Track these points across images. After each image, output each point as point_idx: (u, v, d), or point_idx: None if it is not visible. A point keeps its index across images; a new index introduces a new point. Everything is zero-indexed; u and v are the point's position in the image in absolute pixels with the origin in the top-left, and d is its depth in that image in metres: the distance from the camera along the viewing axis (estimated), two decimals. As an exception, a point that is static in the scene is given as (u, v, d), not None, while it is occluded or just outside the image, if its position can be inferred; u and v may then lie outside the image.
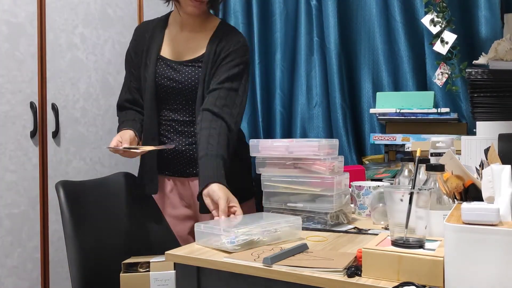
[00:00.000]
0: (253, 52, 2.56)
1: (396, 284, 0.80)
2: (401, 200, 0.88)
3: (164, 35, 1.67)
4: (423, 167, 1.10)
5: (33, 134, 1.89)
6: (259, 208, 1.46)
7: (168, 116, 1.65)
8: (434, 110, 1.89)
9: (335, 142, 1.35)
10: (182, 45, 1.65)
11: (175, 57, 1.64)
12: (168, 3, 1.68)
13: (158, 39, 1.66)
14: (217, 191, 1.31)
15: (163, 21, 1.71)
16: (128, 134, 1.58)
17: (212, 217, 1.31)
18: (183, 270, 1.05)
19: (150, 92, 1.63)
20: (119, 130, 1.65)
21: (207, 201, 1.34)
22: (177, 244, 1.56)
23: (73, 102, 2.05)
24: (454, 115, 1.89)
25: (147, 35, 1.69)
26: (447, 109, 1.90)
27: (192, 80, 1.60)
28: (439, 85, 1.92)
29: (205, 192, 1.34)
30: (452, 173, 1.19)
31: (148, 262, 1.27)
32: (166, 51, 1.65)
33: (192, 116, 1.63)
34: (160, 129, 1.66)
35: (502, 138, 1.30)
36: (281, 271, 0.91)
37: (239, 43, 1.62)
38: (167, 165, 1.68)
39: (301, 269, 0.90)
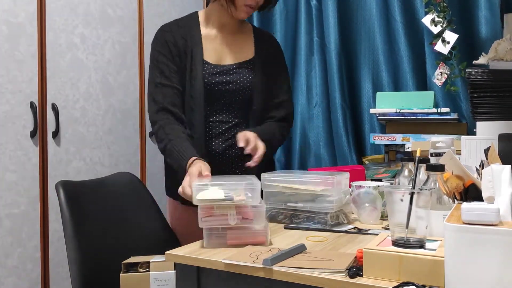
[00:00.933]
0: (253, 52, 2.56)
1: (396, 284, 0.80)
2: (402, 200, 0.88)
3: (202, 37, 1.59)
4: (423, 167, 1.10)
5: (33, 134, 1.89)
6: None
7: (209, 118, 1.58)
8: (434, 110, 1.89)
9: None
10: (224, 48, 1.61)
11: (218, 60, 1.59)
12: (213, 1, 1.61)
13: (197, 42, 1.58)
14: (250, 133, 1.47)
15: (193, 22, 1.62)
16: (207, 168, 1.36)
17: None
18: (183, 270, 1.05)
19: (199, 97, 1.54)
20: (175, 148, 1.43)
21: (240, 135, 1.46)
22: (177, 244, 1.56)
23: (73, 102, 2.05)
24: (454, 115, 1.89)
25: (184, 38, 1.58)
26: (447, 109, 1.90)
27: (244, 83, 1.59)
28: (438, 85, 1.92)
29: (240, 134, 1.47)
30: (452, 173, 1.19)
31: (148, 262, 1.27)
32: (208, 54, 1.58)
33: (234, 118, 1.59)
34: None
35: (502, 138, 1.30)
36: (281, 271, 0.91)
37: (278, 43, 1.74)
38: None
39: (302, 270, 0.90)
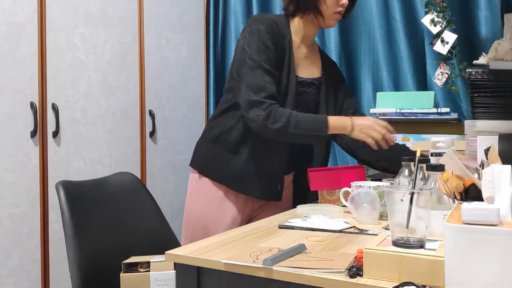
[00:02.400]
0: (253, 52, 2.56)
1: (396, 284, 0.80)
2: (402, 200, 0.88)
3: (292, 43, 1.59)
4: (423, 167, 1.10)
5: (33, 134, 1.89)
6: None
7: None
8: (434, 110, 1.89)
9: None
10: (302, 60, 1.63)
11: (297, 72, 1.61)
12: (300, 17, 1.59)
13: (290, 48, 1.58)
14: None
15: (285, 27, 1.59)
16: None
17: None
18: (183, 270, 1.05)
19: (289, 103, 1.55)
20: (304, 116, 1.46)
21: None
22: (177, 244, 1.56)
23: (73, 102, 2.05)
24: (454, 115, 1.89)
25: (284, 38, 1.57)
26: (447, 109, 1.90)
27: (312, 98, 1.64)
28: (439, 85, 1.92)
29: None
30: (452, 173, 1.19)
31: (148, 262, 1.27)
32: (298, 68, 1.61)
33: None
34: None
35: (502, 138, 1.31)
36: (281, 271, 0.91)
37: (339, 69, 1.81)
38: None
39: (302, 270, 0.90)
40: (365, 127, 1.45)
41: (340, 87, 1.72)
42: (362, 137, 1.46)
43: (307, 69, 1.63)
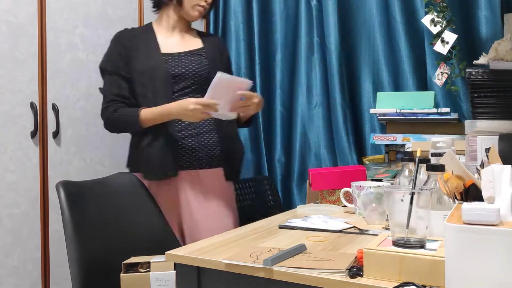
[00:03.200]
0: (253, 52, 2.56)
1: (397, 284, 0.80)
2: (402, 200, 0.88)
3: (156, 37, 1.80)
4: (423, 167, 1.10)
5: (33, 134, 1.89)
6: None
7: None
8: (434, 110, 1.89)
9: None
10: (177, 42, 1.82)
11: (174, 50, 1.78)
12: (158, 10, 1.85)
13: (151, 39, 1.79)
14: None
15: (146, 28, 1.85)
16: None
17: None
18: (183, 270, 1.05)
19: (163, 82, 1.72)
20: (139, 115, 1.69)
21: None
22: (177, 244, 1.56)
23: (73, 102, 2.05)
24: (454, 115, 1.89)
25: (134, 39, 1.78)
26: (447, 109, 1.90)
27: (201, 66, 1.78)
28: (439, 85, 1.92)
29: None
30: (452, 173, 1.19)
31: (149, 262, 1.27)
32: (164, 48, 1.78)
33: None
34: None
35: (503, 138, 1.31)
36: (282, 271, 0.91)
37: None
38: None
39: (303, 270, 0.90)
40: (183, 112, 1.62)
41: (224, 58, 1.90)
42: (189, 120, 1.67)
43: (187, 45, 1.81)
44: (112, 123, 1.75)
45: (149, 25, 1.86)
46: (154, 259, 1.27)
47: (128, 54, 1.75)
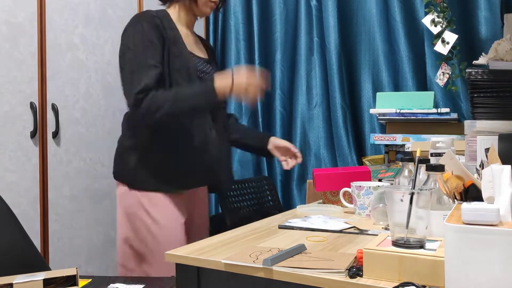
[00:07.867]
0: (253, 52, 2.56)
1: (396, 284, 0.80)
2: (401, 200, 0.88)
3: (179, 32, 1.65)
4: (423, 167, 1.10)
5: (33, 134, 1.89)
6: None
7: None
8: (434, 110, 1.90)
9: None
10: (194, 42, 1.73)
11: (195, 52, 1.70)
12: (168, 4, 1.70)
13: (177, 33, 1.62)
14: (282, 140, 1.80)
15: (167, 18, 1.64)
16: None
17: None
18: (183, 270, 1.05)
19: (194, 83, 1.61)
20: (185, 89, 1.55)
21: (276, 153, 1.78)
22: (42, 261, 1.45)
23: (73, 102, 2.05)
24: (454, 115, 1.89)
25: (165, 27, 1.60)
26: (447, 109, 1.90)
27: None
28: (440, 85, 1.92)
29: (270, 145, 1.78)
30: (452, 173, 1.19)
31: (11, 284, 1.10)
32: (188, 46, 1.66)
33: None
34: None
35: (502, 138, 1.31)
36: (281, 271, 0.91)
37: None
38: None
39: (302, 270, 0.90)
40: (244, 84, 1.47)
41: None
42: (242, 95, 1.49)
43: (200, 51, 1.73)
44: (171, 104, 1.46)
45: (166, 14, 1.65)
46: (17, 279, 1.12)
47: (164, 44, 1.57)
